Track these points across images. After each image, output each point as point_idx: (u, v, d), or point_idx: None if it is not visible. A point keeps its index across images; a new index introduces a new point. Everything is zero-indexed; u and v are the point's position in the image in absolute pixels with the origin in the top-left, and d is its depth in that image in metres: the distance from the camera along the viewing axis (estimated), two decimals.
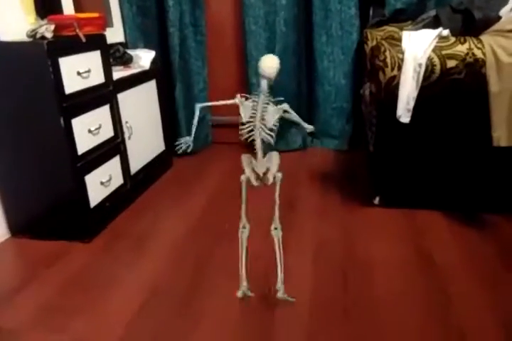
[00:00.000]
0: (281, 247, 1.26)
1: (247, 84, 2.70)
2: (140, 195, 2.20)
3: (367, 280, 1.48)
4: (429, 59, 1.65)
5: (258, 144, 1.15)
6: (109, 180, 1.89)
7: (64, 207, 1.75)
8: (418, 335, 1.24)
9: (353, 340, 1.23)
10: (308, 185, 2.26)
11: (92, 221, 1.79)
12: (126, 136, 2.04)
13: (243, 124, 1.17)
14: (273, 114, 1.15)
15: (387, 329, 1.26)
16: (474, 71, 1.65)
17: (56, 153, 1.66)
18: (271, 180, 1.19)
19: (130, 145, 2.08)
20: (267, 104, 1.17)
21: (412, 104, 1.69)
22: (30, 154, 1.69)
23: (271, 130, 1.16)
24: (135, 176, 2.14)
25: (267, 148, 1.20)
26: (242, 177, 1.22)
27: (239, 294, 1.31)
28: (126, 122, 2.04)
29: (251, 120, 1.15)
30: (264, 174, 1.20)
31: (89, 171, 1.76)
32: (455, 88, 1.68)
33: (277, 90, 2.65)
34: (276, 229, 1.25)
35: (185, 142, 1.25)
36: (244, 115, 1.17)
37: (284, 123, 2.71)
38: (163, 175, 2.46)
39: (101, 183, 1.84)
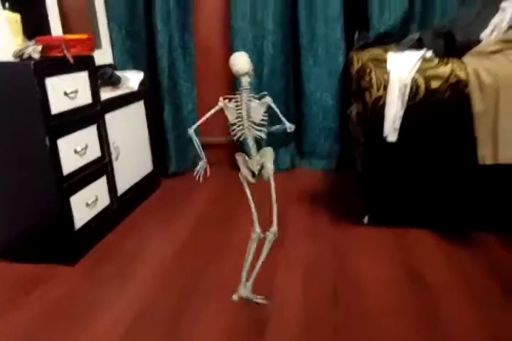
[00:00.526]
0: (265, 251, 1.23)
1: None
2: (127, 216, 2.16)
3: (357, 298, 1.46)
4: (414, 80, 1.68)
5: (250, 142, 1.14)
6: (95, 200, 1.86)
7: (47, 228, 1.70)
8: None
9: None
10: (297, 204, 2.25)
11: (76, 243, 1.75)
12: (113, 156, 2.02)
13: (232, 125, 1.15)
14: (258, 109, 1.14)
15: None
16: (458, 91, 1.68)
17: (41, 173, 1.63)
18: (266, 176, 1.18)
19: (117, 165, 2.06)
20: (250, 100, 1.15)
21: (398, 123, 1.71)
22: (13, 174, 1.66)
23: (260, 125, 1.14)
24: (122, 197, 2.11)
25: (261, 143, 1.18)
26: (240, 176, 1.20)
27: (235, 297, 1.28)
28: (114, 143, 2.03)
29: (238, 120, 1.13)
30: (260, 170, 1.19)
31: (74, 192, 1.73)
32: (440, 108, 1.71)
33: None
34: (274, 234, 1.22)
35: (201, 166, 1.20)
36: (231, 117, 1.15)
37: (271, 144, 2.73)
38: (151, 195, 2.43)
39: (86, 204, 1.80)
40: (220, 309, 1.40)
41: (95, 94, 1.87)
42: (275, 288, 1.52)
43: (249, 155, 1.18)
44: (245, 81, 1.12)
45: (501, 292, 1.47)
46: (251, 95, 1.15)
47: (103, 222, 1.94)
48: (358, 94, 1.92)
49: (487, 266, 1.63)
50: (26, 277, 1.66)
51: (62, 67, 1.66)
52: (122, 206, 2.11)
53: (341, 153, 2.75)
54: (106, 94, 2.02)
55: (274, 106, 1.18)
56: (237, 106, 1.16)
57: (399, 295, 1.47)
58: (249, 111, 1.13)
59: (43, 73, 1.56)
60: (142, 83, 2.32)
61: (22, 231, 1.73)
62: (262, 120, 1.16)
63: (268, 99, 1.17)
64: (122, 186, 2.12)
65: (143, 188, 2.36)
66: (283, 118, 1.20)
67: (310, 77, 2.63)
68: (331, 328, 1.32)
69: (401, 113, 1.70)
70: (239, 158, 1.21)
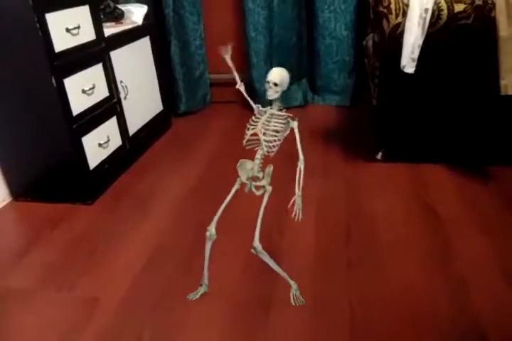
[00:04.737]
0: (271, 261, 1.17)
1: (245, 38, 2.59)
2: (140, 156, 2.17)
3: (370, 233, 1.48)
4: (436, 3, 1.56)
5: (259, 155, 1.12)
6: (107, 141, 1.86)
7: (63, 169, 1.73)
8: (421, 283, 1.25)
9: (356, 289, 1.24)
10: (309, 141, 2.22)
11: (92, 183, 1.78)
12: (121, 96, 1.99)
13: (247, 138, 1.11)
14: (281, 129, 1.11)
15: (390, 278, 1.27)
16: (483, 15, 1.56)
17: (51, 114, 1.62)
18: (259, 193, 1.15)
19: (127, 105, 2.03)
20: (277, 117, 1.10)
21: (417, 52, 1.62)
22: (25, 116, 1.64)
23: (275, 145, 1.12)
24: (134, 137, 2.11)
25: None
26: (237, 181, 1.18)
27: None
28: (121, 82, 1.98)
29: (257, 132, 1.09)
30: (254, 181, 1.16)
31: (85, 133, 1.73)
32: (462, 34, 1.60)
33: (276, 45, 2.57)
34: (255, 248, 1.12)
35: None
36: (253, 127, 1.11)
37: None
38: (163, 135, 2.42)
39: (99, 145, 1.81)
40: (235, 243, 1.45)
41: (98, 29, 1.79)
42: (288, 225, 1.55)
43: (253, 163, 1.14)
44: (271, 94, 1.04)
45: None
46: (279, 112, 1.09)
47: (117, 162, 1.95)
48: (375, 23, 1.80)
49: (500, 199, 1.62)
50: (48, 215, 1.71)
51: (61, 0, 1.57)
52: (135, 146, 2.11)
53: (356, 88, 2.66)
54: (109, 29, 1.94)
55: (297, 133, 1.11)
56: (262, 118, 1.10)
57: (411, 230, 1.49)
58: (271, 127, 1.09)
59: (42, 8, 1.48)
60: (146, 17, 2.21)
61: (40, 172, 1.76)
62: (279, 139, 1.12)
63: (295, 123, 1.11)
64: (133, 126, 2.11)
65: (154, 128, 2.34)
66: (299, 149, 1.13)
67: (323, 5, 2.46)
68: (344, 262, 1.35)
69: (420, 41, 1.60)
70: (240, 165, 1.16)
